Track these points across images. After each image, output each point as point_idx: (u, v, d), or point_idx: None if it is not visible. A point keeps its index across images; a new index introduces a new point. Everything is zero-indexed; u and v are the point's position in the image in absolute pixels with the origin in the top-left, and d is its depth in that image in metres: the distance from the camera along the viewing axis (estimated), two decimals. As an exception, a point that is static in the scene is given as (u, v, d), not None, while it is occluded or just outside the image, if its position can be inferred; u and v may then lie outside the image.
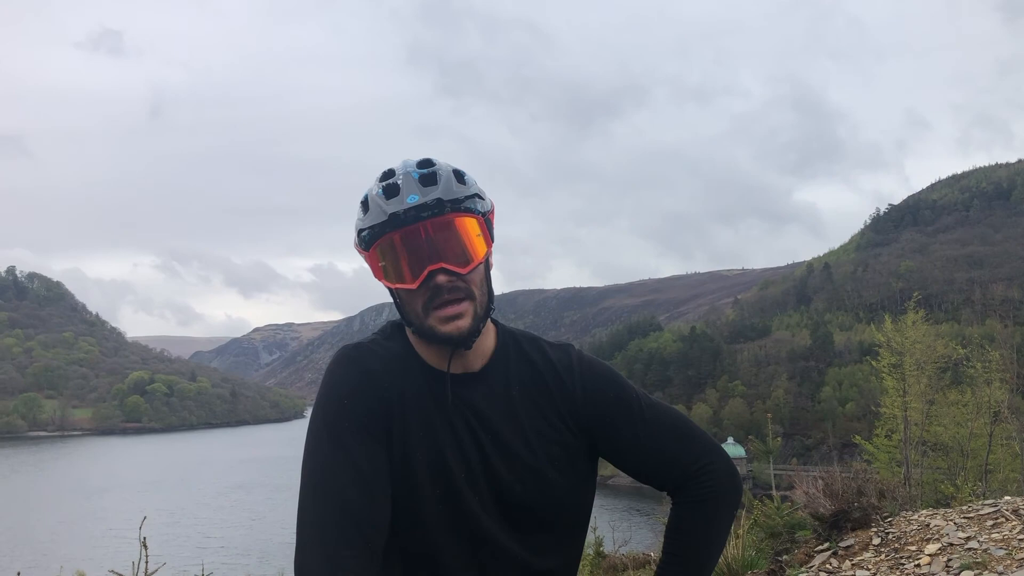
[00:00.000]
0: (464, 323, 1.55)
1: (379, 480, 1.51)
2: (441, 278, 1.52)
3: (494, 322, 1.71)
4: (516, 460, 1.61)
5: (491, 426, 1.62)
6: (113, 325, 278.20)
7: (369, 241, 1.56)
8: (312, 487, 1.48)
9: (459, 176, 1.58)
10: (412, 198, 1.51)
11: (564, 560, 1.71)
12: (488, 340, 1.67)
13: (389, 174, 1.57)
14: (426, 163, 1.58)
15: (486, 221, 1.59)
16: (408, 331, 1.66)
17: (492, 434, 1.61)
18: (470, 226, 1.55)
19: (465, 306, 1.55)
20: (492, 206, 1.64)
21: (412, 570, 1.60)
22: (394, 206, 1.51)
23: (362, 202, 1.59)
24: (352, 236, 1.64)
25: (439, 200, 1.51)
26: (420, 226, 1.52)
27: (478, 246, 1.55)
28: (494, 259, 1.67)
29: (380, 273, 1.57)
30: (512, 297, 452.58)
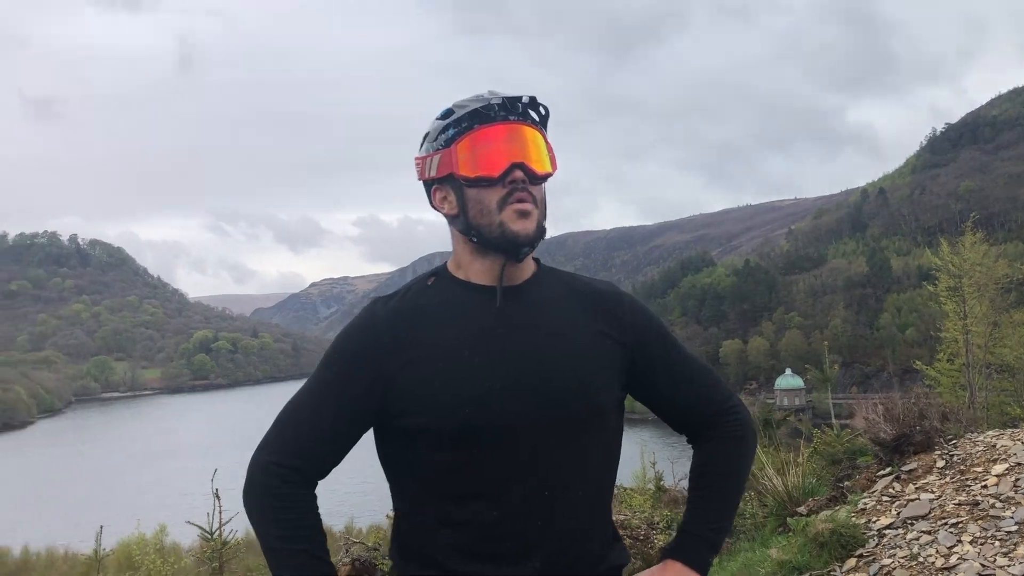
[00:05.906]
0: (531, 224, 1.61)
1: (354, 419, 1.62)
2: (518, 174, 1.60)
3: (533, 259, 1.75)
4: (566, 366, 1.61)
5: (539, 335, 1.63)
6: (174, 287, 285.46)
7: (452, 137, 1.63)
8: (292, 403, 1.67)
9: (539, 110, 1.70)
10: (505, 111, 1.63)
11: (602, 485, 1.69)
12: (528, 264, 1.71)
13: (479, 98, 1.65)
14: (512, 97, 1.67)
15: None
16: (462, 246, 1.70)
17: (540, 342, 1.62)
18: (549, 146, 1.67)
19: (533, 207, 1.63)
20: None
21: (457, 491, 1.59)
22: (492, 104, 1.62)
23: (444, 112, 1.67)
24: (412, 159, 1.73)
25: (529, 114, 1.66)
26: (509, 125, 1.62)
27: (553, 162, 1.67)
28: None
29: (457, 166, 1.62)
30: (561, 240, 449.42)
